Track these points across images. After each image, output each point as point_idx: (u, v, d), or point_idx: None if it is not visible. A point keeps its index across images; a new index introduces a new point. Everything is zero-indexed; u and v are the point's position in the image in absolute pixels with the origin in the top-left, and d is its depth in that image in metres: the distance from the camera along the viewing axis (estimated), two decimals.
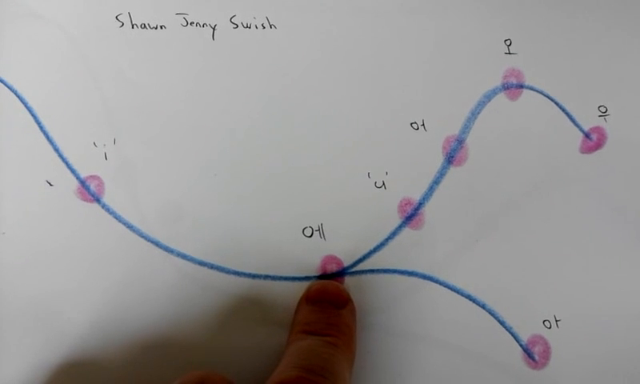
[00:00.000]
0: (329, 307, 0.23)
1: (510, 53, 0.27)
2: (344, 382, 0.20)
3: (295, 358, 0.20)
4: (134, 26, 0.27)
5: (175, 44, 0.27)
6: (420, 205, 0.26)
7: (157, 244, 0.25)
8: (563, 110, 0.27)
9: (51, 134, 0.26)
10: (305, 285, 0.25)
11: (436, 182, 0.26)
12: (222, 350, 0.25)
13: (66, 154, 0.26)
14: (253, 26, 0.27)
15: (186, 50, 0.27)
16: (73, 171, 0.25)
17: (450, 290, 0.25)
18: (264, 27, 0.27)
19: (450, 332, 0.25)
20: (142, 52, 0.27)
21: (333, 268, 0.25)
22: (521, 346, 0.25)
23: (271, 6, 0.27)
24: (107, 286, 0.25)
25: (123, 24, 0.27)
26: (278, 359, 0.23)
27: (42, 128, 0.26)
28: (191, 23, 0.27)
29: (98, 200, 0.25)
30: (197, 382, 0.19)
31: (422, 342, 0.25)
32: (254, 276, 0.25)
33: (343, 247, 0.25)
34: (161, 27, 0.27)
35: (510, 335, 0.25)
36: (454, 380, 0.24)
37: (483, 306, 0.25)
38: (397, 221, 0.25)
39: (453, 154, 0.26)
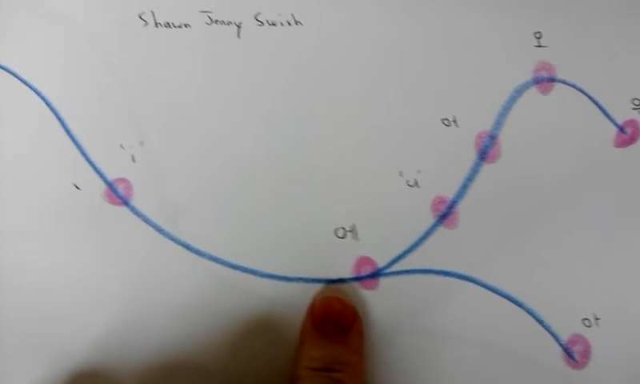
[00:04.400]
0: (334, 335, 0.23)
1: (540, 46, 0.27)
2: None
3: None
4: (158, 25, 0.27)
5: (200, 43, 0.26)
6: (454, 203, 0.25)
7: (188, 247, 0.25)
8: (596, 103, 0.26)
9: (77, 136, 0.25)
10: (339, 287, 0.24)
11: (469, 179, 0.25)
12: (256, 353, 0.24)
13: (93, 157, 0.25)
14: (278, 23, 0.27)
15: (211, 49, 0.26)
16: (100, 174, 0.25)
17: (487, 290, 0.24)
18: (289, 24, 0.27)
19: (489, 332, 0.24)
20: (167, 51, 0.26)
21: (367, 269, 0.24)
22: (561, 345, 0.24)
23: (296, 3, 0.27)
24: (137, 290, 0.24)
25: (147, 23, 0.27)
26: None
27: (67, 131, 0.25)
28: (216, 21, 0.27)
29: (126, 203, 0.25)
30: None
31: (460, 344, 0.24)
32: (287, 279, 0.24)
33: (377, 248, 0.25)
34: (185, 26, 0.27)
35: (549, 335, 0.24)
36: (493, 381, 0.24)
37: (521, 306, 0.24)
38: (431, 220, 0.25)
39: (485, 150, 0.26)
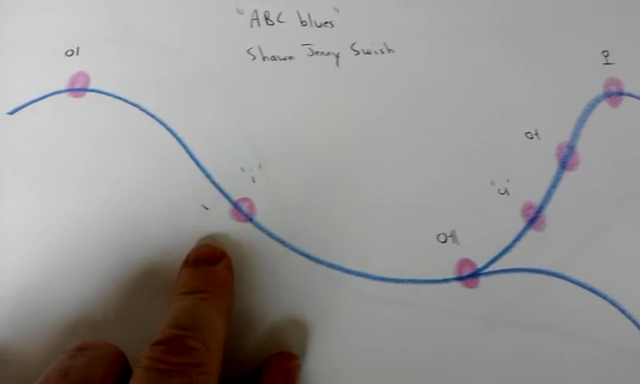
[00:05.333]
0: (203, 267, 0.26)
1: (608, 63, 0.30)
2: (214, 330, 0.23)
3: (169, 319, 0.22)
4: (265, 59, 0.30)
5: (304, 73, 0.30)
6: (541, 208, 0.28)
7: (307, 256, 0.28)
8: None
9: (203, 163, 0.28)
10: (443, 286, 0.28)
11: (553, 186, 0.28)
12: (370, 351, 0.27)
13: (217, 180, 0.28)
14: (372, 52, 0.30)
15: (314, 78, 0.30)
16: (225, 195, 0.28)
17: (574, 285, 0.27)
18: (382, 52, 0.30)
19: (577, 323, 0.27)
20: (274, 81, 0.29)
21: (468, 270, 0.28)
22: None
23: (387, 33, 0.30)
24: (262, 296, 0.28)
25: (255, 57, 0.30)
26: (422, 358, 0.26)
27: (193, 158, 0.28)
28: (316, 53, 0.30)
29: (250, 219, 0.28)
30: (76, 348, 0.22)
31: (551, 333, 0.27)
32: (397, 281, 0.28)
33: (475, 250, 0.28)
34: (289, 58, 0.30)
35: (631, 322, 0.27)
36: (581, 365, 0.27)
37: (605, 297, 0.27)
38: (521, 223, 0.28)
39: (566, 159, 0.29)
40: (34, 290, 0.27)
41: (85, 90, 0.29)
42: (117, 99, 0.29)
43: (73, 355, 0.21)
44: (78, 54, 0.30)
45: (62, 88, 0.30)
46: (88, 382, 0.20)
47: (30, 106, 0.29)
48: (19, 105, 0.29)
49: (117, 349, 0.22)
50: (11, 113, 0.29)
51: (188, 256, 0.26)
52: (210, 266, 0.26)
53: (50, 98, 0.30)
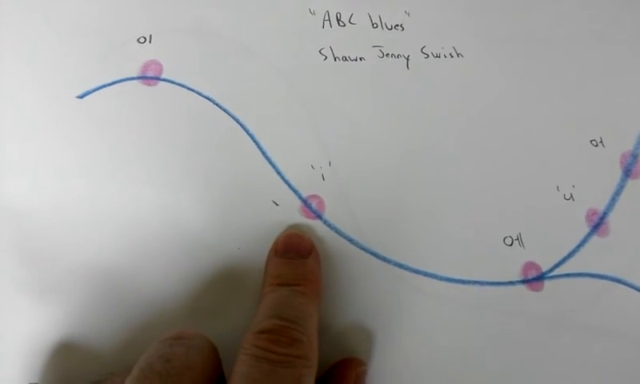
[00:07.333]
0: (295, 257, 0.26)
1: None
2: (313, 324, 0.23)
3: (270, 309, 0.23)
4: (336, 59, 0.30)
5: (374, 74, 0.30)
6: (605, 214, 0.29)
7: (375, 255, 0.28)
8: None
9: (273, 159, 0.29)
10: (509, 289, 0.28)
11: (617, 193, 0.29)
12: (434, 351, 0.28)
13: (288, 177, 0.29)
14: (442, 56, 0.30)
15: (384, 79, 0.30)
16: (295, 192, 0.29)
17: (636, 291, 0.28)
18: (452, 56, 0.30)
19: (638, 328, 0.28)
20: (345, 82, 0.30)
21: (533, 273, 0.28)
22: None
23: (457, 37, 0.31)
24: (331, 292, 0.28)
25: (326, 58, 0.30)
26: (485, 360, 0.27)
27: (264, 153, 0.29)
28: (387, 55, 0.30)
29: (320, 217, 0.28)
30: (173, 337, 0.22)
31: (613, 337, 0.28)
32: (463, 282, 0.28)
33: (541, 254, 0.28)
34: (360, 59, 0.30)
35: None
36: None
37: None
38: (585, 229, 0.29)
39: (629, 167, 0.29)
40: (106, 284, 0.28)
41: (157, 78, 0.30)
42: (190, 91, 0.30)
43: (171, 344, 0.21)
44: (150, 42, 0.30)
45: (134, 75, 0.30)
46: (190, 370, 0.21)
47: (100, 90, 0.30)
48: (89, 89, 0.30)
49: (211, 341, 0.23)
50: (81, 97, 0.30)
51: (277, 243, 0.27)
52: (302, 259, 0.26)
53: (120, 83, 0.30)
